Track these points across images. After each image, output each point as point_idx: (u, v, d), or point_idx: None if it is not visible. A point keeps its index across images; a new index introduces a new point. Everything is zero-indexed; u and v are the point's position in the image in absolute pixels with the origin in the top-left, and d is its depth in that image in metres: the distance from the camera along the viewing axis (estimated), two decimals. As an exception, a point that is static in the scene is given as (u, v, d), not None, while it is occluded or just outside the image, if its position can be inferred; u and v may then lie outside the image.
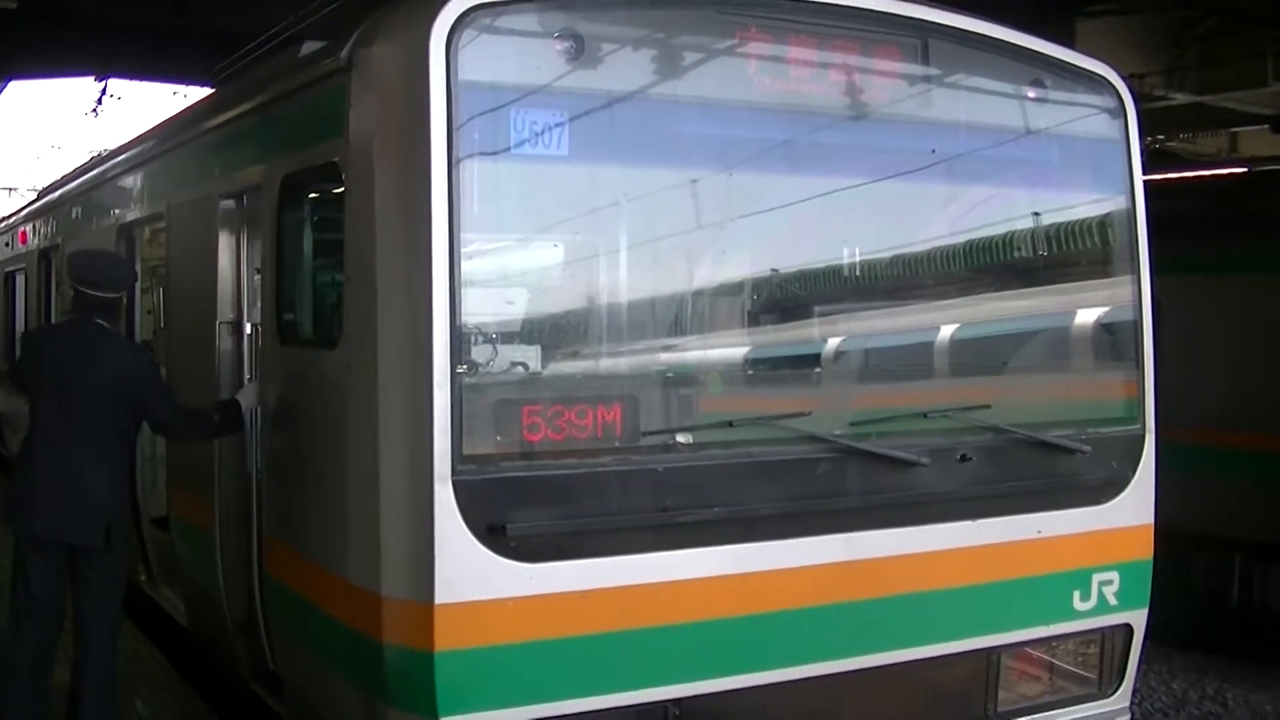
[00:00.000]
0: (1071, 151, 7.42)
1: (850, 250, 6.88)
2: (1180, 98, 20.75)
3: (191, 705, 8.28)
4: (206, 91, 15.20)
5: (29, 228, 16.84)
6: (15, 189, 50.93)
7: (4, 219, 21.91)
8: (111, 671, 7.66)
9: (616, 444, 5.90)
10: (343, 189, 6.13)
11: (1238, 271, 12.53)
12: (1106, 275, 7.60)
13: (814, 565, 6.29)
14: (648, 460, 5.96)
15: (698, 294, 6.44)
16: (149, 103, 59.12)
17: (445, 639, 5.53)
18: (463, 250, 5.53)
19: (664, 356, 6.39)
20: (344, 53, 6.06)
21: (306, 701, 6.88)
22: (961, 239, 7.22)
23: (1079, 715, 7.24)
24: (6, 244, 19.05)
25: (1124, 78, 7.55)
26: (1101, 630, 7.26)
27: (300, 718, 7.02)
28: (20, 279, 17.50)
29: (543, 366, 5.95)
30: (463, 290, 5.53)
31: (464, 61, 5.56)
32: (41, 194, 17.98)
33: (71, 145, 66.93)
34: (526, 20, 5.83)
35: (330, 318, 6.60)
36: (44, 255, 15.25)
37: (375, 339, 5.77)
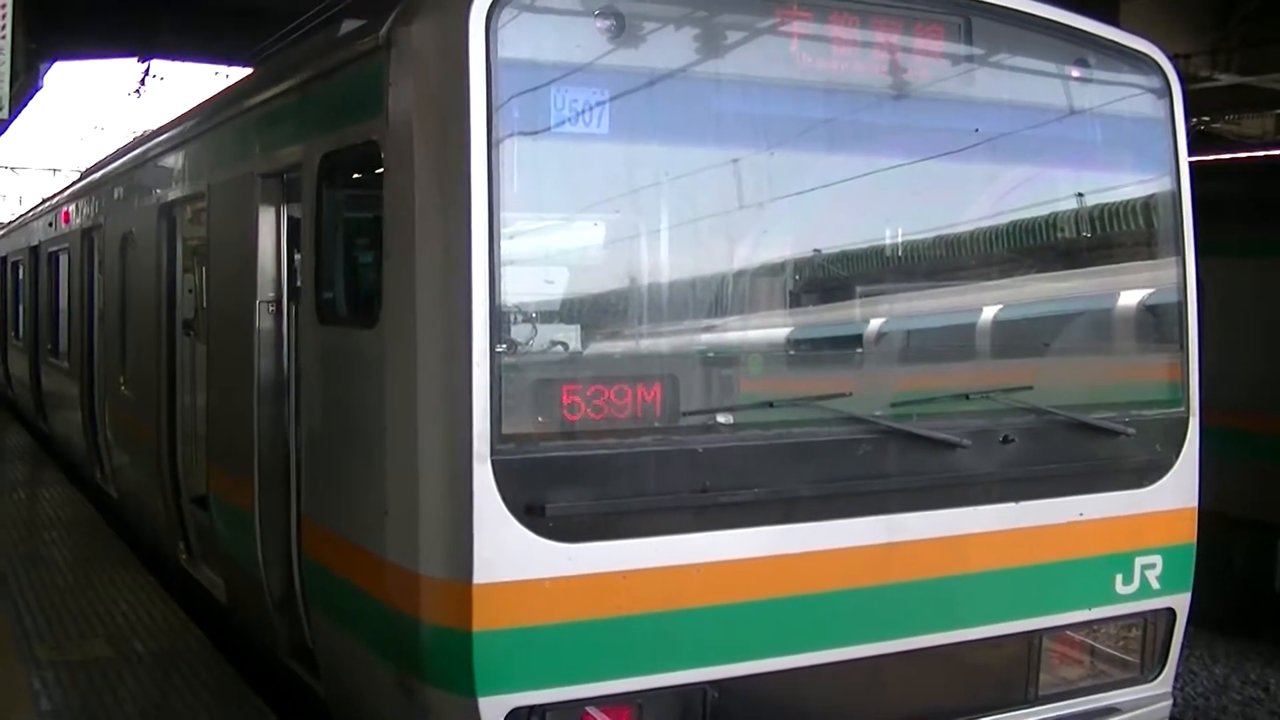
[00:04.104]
0: (1116, 132, 7.34)
1: (892, 230, 6.83)
2: (1225, 79, 20.53)
3: (229, 681, 8.32)
4: (247, 72, 15.24)
5: (72, 207, 16.92)
6: (59, 169, 51.35)
7: (48, 199, 22.04)
8: None
9: (656, 424, 5.88)
10: (382, 168, 6.13)
11: (1274, 255, 12.37)
12: (1150, 257, 7.52)
13: (854, 547, 6.26)
14: (687, 441, 5.94)
15: (738, 274, 6.39)
16: (191, 84, 59.49)
17: (483, 619, 5.53)
18: (502, 229, 5.52)
19: (704, 336, 6.35)
20: (383, 31, 6.05)
21: (344, 679, 6.90)
22: (1004, 219, 7.15)
23: (1121, 699, 7.19)
24: (50, 224, 19.15)
25: (1170, 57, 7.46)
26: (1144, 614, 7.21)
27: (337, 695, 7.05)
28: (64, 259, 17.59)
29: (582, 346, 5.92)
30: (502, 269, 5.52)
31: (504, 40, 5.53)
32: (84, 174, 18.05)
33: (114, 126, 67.44)
34: None
35: (369, 297, 6.61)
36: (87, 235, 15.31)
37: (414, 318, 5.76)
